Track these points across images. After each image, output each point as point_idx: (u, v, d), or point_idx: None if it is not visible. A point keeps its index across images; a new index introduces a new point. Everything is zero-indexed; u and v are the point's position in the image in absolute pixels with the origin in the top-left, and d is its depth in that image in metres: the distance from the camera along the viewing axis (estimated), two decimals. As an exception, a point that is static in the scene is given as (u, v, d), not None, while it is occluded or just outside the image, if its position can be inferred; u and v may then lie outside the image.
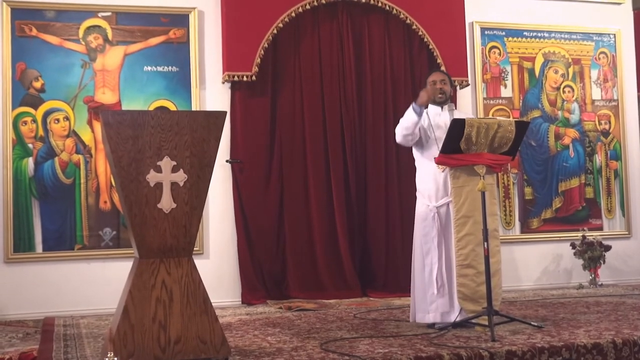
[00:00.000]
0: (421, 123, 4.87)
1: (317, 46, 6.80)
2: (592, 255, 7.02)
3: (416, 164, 5.05)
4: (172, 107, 6.41)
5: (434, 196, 4.83)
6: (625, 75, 7.80)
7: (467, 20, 7.19)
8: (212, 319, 3.81)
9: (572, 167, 7.54)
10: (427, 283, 4.78)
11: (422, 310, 4.79)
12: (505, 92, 7.41)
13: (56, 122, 6.23)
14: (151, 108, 6.34)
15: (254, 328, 4.96)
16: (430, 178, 4.87)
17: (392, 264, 6.78)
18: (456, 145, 4.53)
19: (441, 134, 4.74)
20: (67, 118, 6.26)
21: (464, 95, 7.20)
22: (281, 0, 6.58)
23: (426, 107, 4.88)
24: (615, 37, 7.78)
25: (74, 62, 6.31)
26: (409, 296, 5.00)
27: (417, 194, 4.98)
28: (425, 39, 6.94)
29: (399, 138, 4.98)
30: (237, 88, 6.57)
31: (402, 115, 5.01)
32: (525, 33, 7.51)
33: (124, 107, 6.30)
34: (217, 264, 6.46)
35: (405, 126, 4.87)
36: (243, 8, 6.52)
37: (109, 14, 6.41)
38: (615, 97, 7.76)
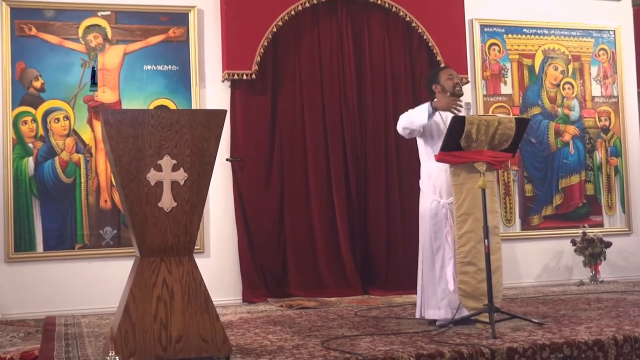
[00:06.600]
0: (431, 121, 4.79)
1: (317, 44, 6.80)
2: (592, 251, 7.02)
3: (424, 159, 4.95)
4: (172, 106, 6.41)
5: (445, 192, 4.77)
6: (625, 72, 7.80)
7: (467, 17, 7.19)
8: (213, 318, 3.81)
9: (572, 163, 7.54)
10: (437, 279, 4.74)
11: (433, 307, 4.75)
12: (505, 89, 7.41)
13: (56, 121, 6.23)
14: (151, 107, 6.34)
15: (255, 326, 4.96)
16: (441, 174, 4.78)
17: (393, 262, 6.77)
18: (456, 143, 4.52)
19: None
20: (67, 117, 6.26)
21: (464, 93, 7.16)
22: (281, -2, 6.59)
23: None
24: (615, 33, 7.78)
25: (74, 62, 6.31)
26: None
27: (424, 190, 4.90)
28: (425, 37, 6.94)
29: (400, 129, 4.87)
30: (237, 86, 6.57)
31: (401, 112, 4.98)
32: (524, 30, 7.51)
33: (124, 106, 6.30)
34: (218, 262, 6.46)
35: (411, 121, 4.78)
36: (243, 6, 6.51)
37: (108, 13, 6.41)
38: (615, 94, 7.75)
